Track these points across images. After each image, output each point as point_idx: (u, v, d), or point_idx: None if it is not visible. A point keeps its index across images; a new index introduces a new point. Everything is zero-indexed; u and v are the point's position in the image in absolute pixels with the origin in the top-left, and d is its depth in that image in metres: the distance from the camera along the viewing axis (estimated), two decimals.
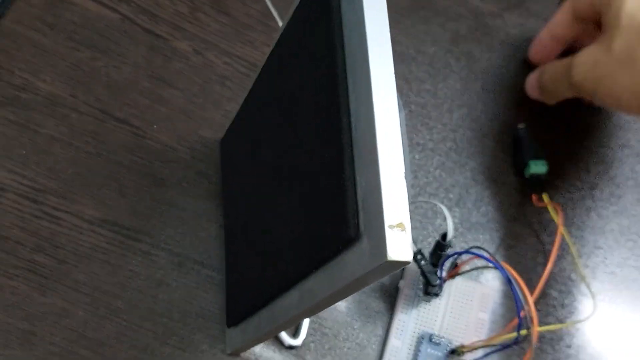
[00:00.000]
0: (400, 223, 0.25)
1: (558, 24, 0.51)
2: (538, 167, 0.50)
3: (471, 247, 0.40)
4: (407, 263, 0.25)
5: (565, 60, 0.47)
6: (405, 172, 0.26)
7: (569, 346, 0.48)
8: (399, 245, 0.25)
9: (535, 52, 0.53)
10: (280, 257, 0.35)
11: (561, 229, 0.46)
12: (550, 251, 0.49)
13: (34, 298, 0.46)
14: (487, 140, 0.53)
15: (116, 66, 0.51)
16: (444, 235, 0.42)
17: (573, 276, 0.50)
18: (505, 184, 0.52)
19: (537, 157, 0.50)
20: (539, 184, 0.50)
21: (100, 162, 0.49)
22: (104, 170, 0.49)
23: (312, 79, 0.32)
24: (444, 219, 0.49)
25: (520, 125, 0.52)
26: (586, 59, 0.44)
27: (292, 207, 0.34)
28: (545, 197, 0.49)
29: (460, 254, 0.43)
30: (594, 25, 0.47)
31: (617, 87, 0.42)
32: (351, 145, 0.28)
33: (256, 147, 0.40)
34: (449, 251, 0.42)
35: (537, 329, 0.38)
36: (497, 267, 0.38)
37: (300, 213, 0.32)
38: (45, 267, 0.46)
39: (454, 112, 0.54)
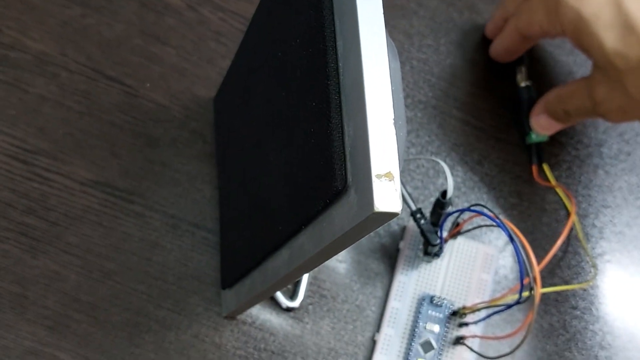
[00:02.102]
0: (389, 172, 0.24)
1: (508, 42, 0.48)
2: (539, 136, 0.48)
3: (472, 205, 0.39)
4: (395, 214, 0.24)
5: (586, 101, 0.43)
6: (394, 119, 0.24)
7: (574, 307, 0.47)
8: (387, 196, 0.23)
9: (496, 56, 0.51)
10: (271, 216, 0.34)
11: (573, 217, 0.44)
12: (555, 215, 0.47)
13: (25, 261, 0.45)
14: (491, 97, 0.51)
15: (108, 23, 0.50)
16: (444, 193, 0.40)
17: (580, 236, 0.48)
18: (509, 143, 0.50)
19: None
20: (540, 152, 0.48)
21: (92, 122, 0.48)
22: (96, 130, 0.48)
23: (299, 25, 0.30)
24: (446, 177, 0.48)
25: (523, 83, 0.50)
26: (610, 106, 0.41)
27: (282, 162, 0.32)
28: (547, 170, 0.48)
29: (461, 211, 0.42)
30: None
31: None
32: (339, 92, 0.26)
33: (248, 103, 0.39)
34: (450, 209, 0.41)
35: (540, 290, 0.36)
36: (499, 224, 0.36)
37: (290, 167, 0.31)
38: (37, 230, 0.45)
39: (457, 68, 0.52)
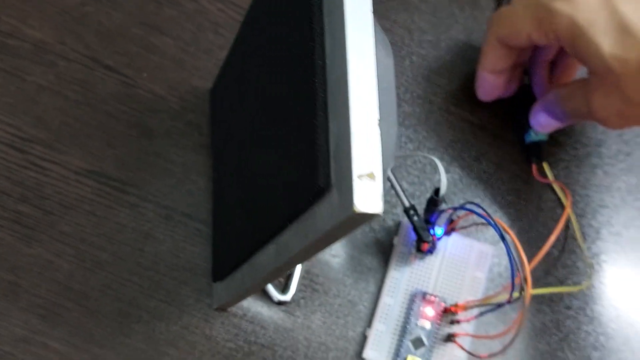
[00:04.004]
0: (371, 173, 0.23)
1: (492, 60, 0.45)
2: (538, 135, 0.48)
3: (465, 203, 0.38)
4: (376, 216, 0.23)
5: (582, 105, 0.42)
6: (380, 119, 0.24)
7: (568, 307, 0.47)
8: (368, 196, 0.23)
9: (483, 92, 0.48)
10: (260, 210, 0.34)
11: (568, 211, 0.44)
12: (551, 214, 0.47)
13: (19, 249, 0.45)
14: None
15: (107, 12, 0.50)
16: (437, 191, 0.40)
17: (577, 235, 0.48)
18: (507, 141, 0.50)
19: None
20: (539, 150, 0.48)
21: (89, 112, 0.48)
22: (92, 120, 0.48)
23: (289, 21, 0.30)
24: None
25: (526, 80, 0.49)
26: (609, 112, 0.40)
27: (271, 157, 0.32)
28: (546, 168, 0.47)
29: (453, 209, 0.41)
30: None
31: None
32: (325, 90, 0.26)
33: (241, 96, 0.39)
34: (443, 207, 0.40)
35: (530, 290, 0.36)
36: (490, 223, 0.36)
37: (278, 162, 0.31)
38: (31, 218, 0.45)
39: (455, 63, 0.52)
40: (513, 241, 0.36)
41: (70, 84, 0.48)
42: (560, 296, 0.47)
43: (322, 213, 0.26)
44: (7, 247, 0.45)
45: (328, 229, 0.25)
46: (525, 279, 0.35)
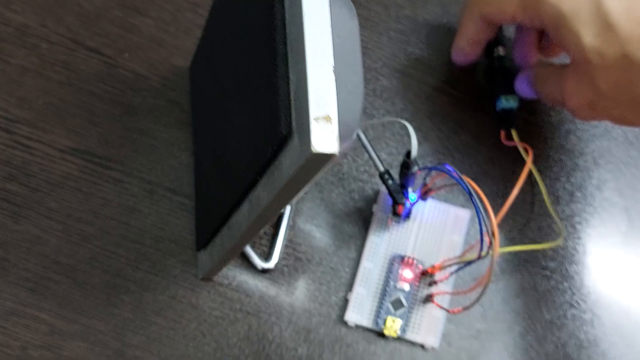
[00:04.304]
0: (327, 116, 0.25)
1: (471, 32, 0.47)
2: (509, 102, 0.49)
3: (437, 165, 0.40)
4: (332, 156, 0.25)
5: (555, 89, 0.44)
6: (334, 66, 0.25)
7: (544, 268, 0.48)
8: (325, 138, 0.24)
9: (459, 58, 0.49)
10: (233, 173, 0.35)
11: (528, 167, 0.45)
12: (527, 178, 0.48)
13: (7, 225, 0.46)
14: (467, 67, 0.52)
15: None
16: (408, 153, 0.41)
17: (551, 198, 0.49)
18: (484, 112, 0.51)
19: (508, 91, 0.49)
20: (510, 118, 0.49)
21: (72, 92, 0.49)
22: (76, 99, 0.49)
23: None
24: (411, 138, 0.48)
25: (498, 52, 0.50)
26: (579, 101, 0.42)
27: (240, 119, 0.33)
28: (514, 133, 0.48)
29: (425, 169, 0.43)
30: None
31: (618, 114, 0.42)
32: (285, 43, 0.27)
33: (214, 68, 0.40)
34: (414, 169, 0.42)
35: (497, 242, 0.37)
36: (459, 180, 0.37)
37: (245, 121, 0.32)
38: (18, 196, 0.47)
39: (433, 37, 0.53)
40: (481, 198, 0.37)
41: (53, 66, 0.49)
42: (536, 257, 0.48)
43: (287, 160, 0.27)
44: None
45: (292, 174, 0.26)
46: (492, 233, 0.37)
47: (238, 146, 0.34)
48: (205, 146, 0.43)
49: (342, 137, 0.26)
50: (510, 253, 0.48)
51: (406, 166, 0.42)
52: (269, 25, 0.28)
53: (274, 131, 0.27)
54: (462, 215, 0.47)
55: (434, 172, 0.42)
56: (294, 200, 0.30)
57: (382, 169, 0.43)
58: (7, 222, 0.46)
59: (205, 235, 0.43)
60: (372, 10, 0.53)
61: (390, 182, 0.43)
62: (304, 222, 0.48)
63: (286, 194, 0.29)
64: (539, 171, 0.49)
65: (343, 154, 0.30)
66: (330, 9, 0.27)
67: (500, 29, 0.50)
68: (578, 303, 0.47)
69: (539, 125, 0.51)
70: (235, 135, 0.34)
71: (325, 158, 0.25)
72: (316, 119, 0.25)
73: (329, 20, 0.26)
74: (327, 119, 0.25)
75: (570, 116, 0.51)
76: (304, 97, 0.25)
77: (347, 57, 0.30)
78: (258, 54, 0.29)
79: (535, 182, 0.48)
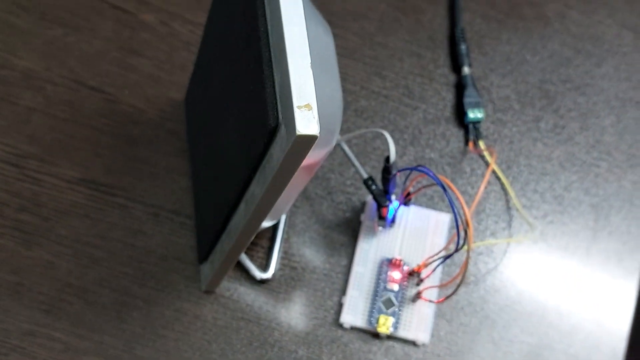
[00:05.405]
0: (308, 104, 0.29)
1: None
2: (475, 115, 0.54)
3: (417, 166, 0.44)
4: (315, 137, 0.29)
5: None
6: (311, 63, 0.30)
7: (520, 262, 0.51)
8: (307, 122, 0.29)
9: None
10: (228, 178, 0.39)
11: (491, 167, 0.50)
12: (493, 179, 0.52)
13: (20, 253, 0.50)
14: (435, 85, 0.57)
15: (87, 40, 0.55)
16: (387, 158, 0.45)
17: (514, 200, 0.53)
18: (454, 124, 0.55)
19: (475, 105, 0.54)
20: (476, 129, 0.54)
21: (76, 127, 0.53)
22: (80, 134, 0.53)
23: (237, 8, 0.36)
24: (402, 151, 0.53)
25: (464, 71, 0.55)
26: None
27: (232, 125, 0.37)
28: (481, 143, 0.53)
29: (404, 169, 0.46)
30: None
31: None
32: (269, 49, 0.32)
33: (206, 88, 0.44)
34: (394, 172, 0.46)
35: (472, 232, 0.41)
36: (433, 177, 0.41)
37: (237, 125, 0.36)
38: (30, 225, 0.50)
39: (405, 61, 0.57)
40: (455, 193, 0.41)
41: (58, 105, 0.53)
42: (504, 250, 0.52)
43: (276, 151, 0.31)
44: (9, 252, 0.49)
45: (281, 162, 0.30)
46: (466, 223, 0.40)
47: (231, 149, 0.38)
48: (201, 164, 0.47)
49: (325, 128, 0.30)
50: (489, 248, 0.52)
51: (387, 171, 0.46)
52: (254, 35, 0.32)
53: (263, 125, 0.31)
54: (442, 219, 0.51)
55: (412, 174, 0.46)
56: (284, 189, 0.33)
57: (365, 175, 0.47)
58: (20, 250, 0.50)
59: (206, 247, 0.46)
60: (349, 39, 0.58)
61: (374, 187, 0.47)
62: (297, 234, 0.52)
63: (278, 183, 0.33)
64: (512, 177, 0.53)
65: (328, 152, 0.34)
66: (306, 22, 0.32)
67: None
68: (547, 292, 0.51)
69: (507, 136, 0.55)
70: (228, 140, 0.38)
71: (309, 140, 0.29)
72: (299, 107, 0.29)
73: (305, 28, 0.31)
74: (308, 106, 0.29)
75: (536, 125, 0.55)
76: (288, 91, 0.29)
77: (324, 64, 0.34)
78: (246, 62, 0.34)
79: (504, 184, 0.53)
